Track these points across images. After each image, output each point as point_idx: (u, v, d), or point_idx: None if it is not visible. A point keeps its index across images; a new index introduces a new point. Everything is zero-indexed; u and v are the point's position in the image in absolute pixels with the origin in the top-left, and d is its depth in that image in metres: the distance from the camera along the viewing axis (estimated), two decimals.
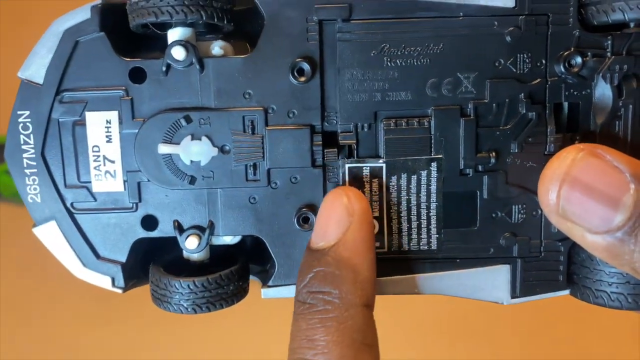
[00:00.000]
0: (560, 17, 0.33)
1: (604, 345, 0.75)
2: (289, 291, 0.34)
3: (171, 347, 0.77)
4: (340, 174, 0.34)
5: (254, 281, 0.37)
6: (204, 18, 0.32)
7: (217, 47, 0.34)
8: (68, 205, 0.34)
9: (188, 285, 0.33)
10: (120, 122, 0.33)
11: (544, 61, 0.33)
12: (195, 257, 0.35)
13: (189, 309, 0.33)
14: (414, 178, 0.34)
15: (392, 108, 0.33)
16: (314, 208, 0.34)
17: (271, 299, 0.35)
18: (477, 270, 0.35)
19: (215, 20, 0.32)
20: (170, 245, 0.34)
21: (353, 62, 0.33)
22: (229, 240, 0.35)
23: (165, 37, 0.33)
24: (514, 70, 0.33)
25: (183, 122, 0.33)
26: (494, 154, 0.33)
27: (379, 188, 0.34)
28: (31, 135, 0.33)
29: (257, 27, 0.33)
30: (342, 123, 0.33)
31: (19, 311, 0.80)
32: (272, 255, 0.34)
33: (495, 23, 0.33)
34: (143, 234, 0.34)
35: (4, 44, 0.80)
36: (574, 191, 0.30)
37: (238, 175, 0.33)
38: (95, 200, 0.34)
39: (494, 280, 0.35)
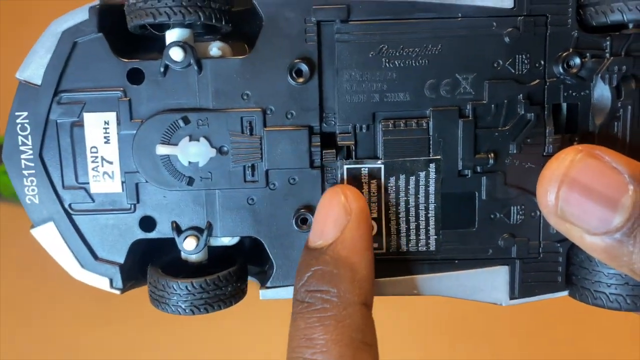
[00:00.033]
0: (559, 18, 0.32)
1: (604, 345, 0.74)
2: (288, 292, 0.34)
3: (171, 347, 0.77)
4: (339, 175, 0.34)
5: (253, 280, 0.37)
6: (202, 19, 0.32)
7: (215, 48, 0.34)
8: (66, 206, 0.34)
9: (186, 287, 0.33)
10: (118, 123, 0.33)
11: (542, 62, 0.33)
12: (193, 258, 0.35)
13: (187, 311, 0.33)
14: (412, 179, 0.34)
15: (391, 109, 0.33)
16: (312, 209, 0.34)
17: (270, 300, 0.35)
18: (475, 272, 0.35)
19: (213, 21, 0.32)
20: (169, 246, 0.34)
21: (351, 63, 0.33)
22: (227, 241, 0.35)
23: (163, 38, 0.33)
24: (513, 71, 0.33)
25: (181, 123, 0.33)
26: (492, 155, 0.33)
27: (377, 189, 0.34)
28: (29, 137, 0.33)
29: (255, 28, 0.33)
30: (340, 124, 0.33)
31: (19, 311, 0.80)
32: (271, 257, 0.34)
33: (494, 24, 0.33)
34: (141, 235, 0.34)
35: (4, 44, 0.80)
36: (573, 192, 0.30)
37: (236, 176, 0.33)
38: (93, 201, 0.34)
39: (492, 282, 0.35)
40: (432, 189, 0.34)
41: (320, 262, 0.32)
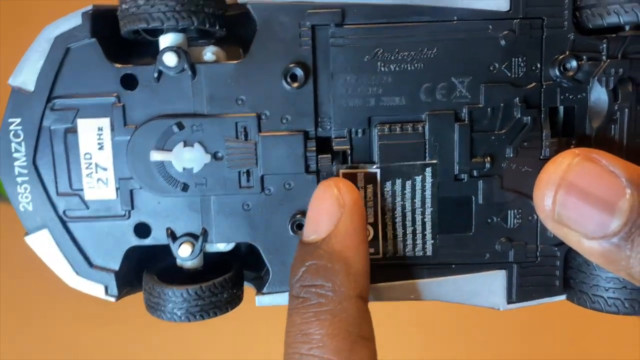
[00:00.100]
0: (555, 21, 0.32)
1: (604, 346, 0.74)
2: (284, 299, 0.34)
3: (171, 347, 0.77)
4: None
5: (249, 286, 0.37)
6: (196, 24, 0.31)
7: (209, 53, 0.34)
8: (60, 213, 0.34)
9: (181, 294, 0.33)
10: (112, 129, 0.33)
11: (538, 65, 0.33)
12: (188, 264, 0.34)
13: (183, 317, 0.33)
14: (408, 183, 0.33)
15: (386, 113, 0.33)
16: None
17: None
18: (472, 276, 0.34)
19: (207, 26, 0.32)
20: (164, 252, 0.34)
21: (346, 67, 0.33)
22: (223, 247, 0.35)
23: (156, 43, 0.33)
24: (509, 74, 0.33)
25: (175, 129, 0.33)
26: (489, 158, 0.33)
27: (374, 194, 0.34)
28: (22, 143, 0.33)
29: (249, 32, 0.33)
30: (335, 129, 0.33)
31: (19, 311, 0.80)
32: (266, 263, 0.34)
33: (490, 27, 0.32)
34: (136, 241, 0.34)
35: (4, 44, 0.80)
36: (570, 196, 0.29)
37: (231, 182, 0.33)
38: (88, 208, 0.34)
39: (490, 286, 0.34)
40: (428, 193, 0.34)
41: (314, 256, 0.31)
